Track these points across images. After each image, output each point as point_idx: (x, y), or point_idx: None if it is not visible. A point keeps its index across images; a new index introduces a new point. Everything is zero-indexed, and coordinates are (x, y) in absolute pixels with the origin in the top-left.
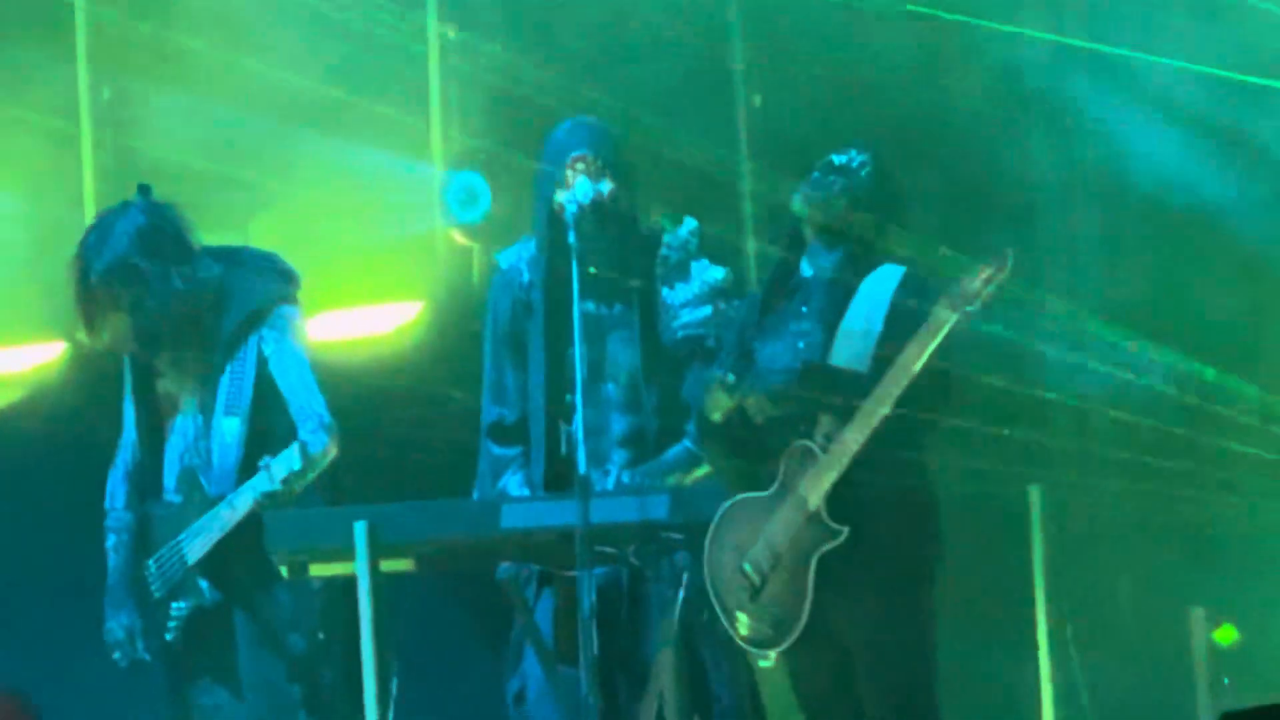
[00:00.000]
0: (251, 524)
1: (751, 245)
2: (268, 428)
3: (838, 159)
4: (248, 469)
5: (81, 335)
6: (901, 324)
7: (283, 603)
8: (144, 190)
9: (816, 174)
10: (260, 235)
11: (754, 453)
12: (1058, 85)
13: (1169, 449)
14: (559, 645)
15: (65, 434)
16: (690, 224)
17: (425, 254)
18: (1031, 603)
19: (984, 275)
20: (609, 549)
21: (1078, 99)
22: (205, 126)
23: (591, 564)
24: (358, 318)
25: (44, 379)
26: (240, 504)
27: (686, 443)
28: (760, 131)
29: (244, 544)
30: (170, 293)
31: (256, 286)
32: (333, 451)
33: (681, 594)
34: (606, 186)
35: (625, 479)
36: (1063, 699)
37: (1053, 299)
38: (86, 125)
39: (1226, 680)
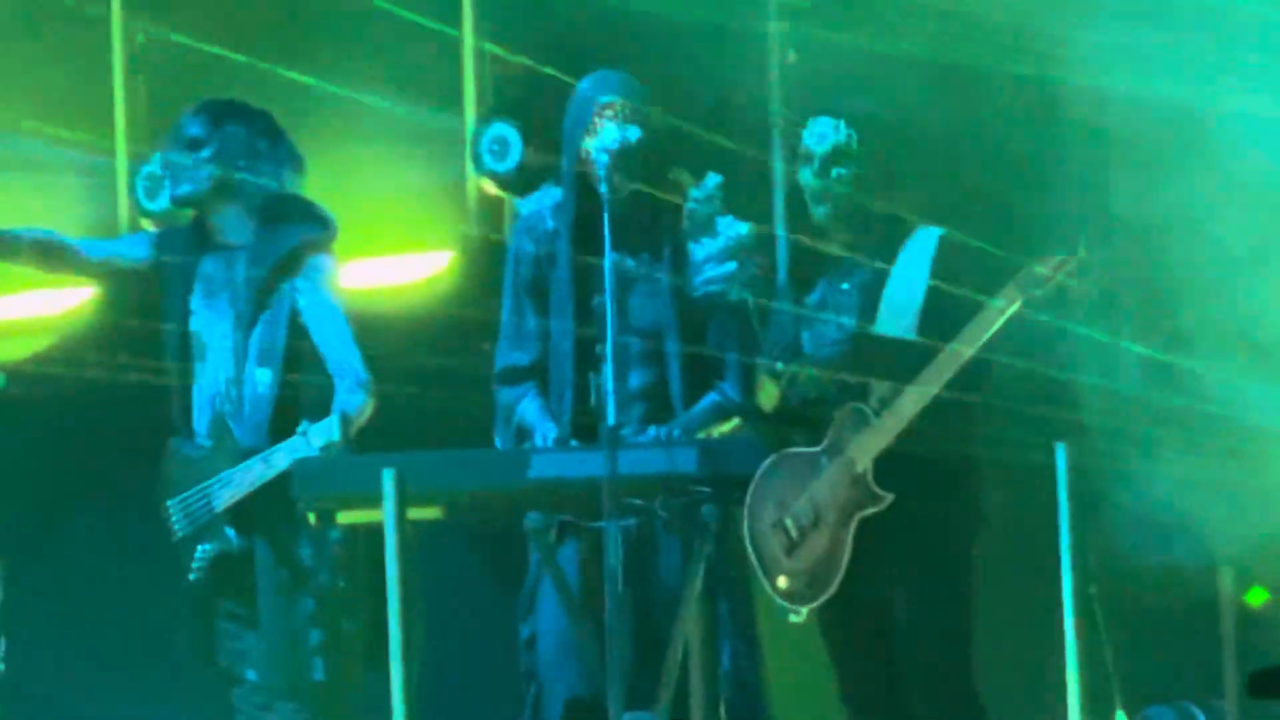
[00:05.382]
0: (280, 476)
1: (782, 204)
2: (302, 380)
3: (818, 147)
4: (280, 420)
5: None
6: (943, 290)
7: (305, 552)
8: None
9: (806, 170)
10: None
11: (809, 423)
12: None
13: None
14: (583, 595)
15: (93, 377)
16: (715, 179)
17: (456, 203)
18: (1055, 560)
19: (1052, 265)
20: (636, 500)
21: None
22: (237, 75)
23: (619, 515)
24: (388, 266)
25: (73, 323)
26: (275, 463)
27: (714, 395)
28: (795, 88)
29: (272, 495)
30: (239, 165)
31: (290, 233)
32: (370, 409)
33: (709, 547)
34: (635, 133)
35: (660, 434)
36: (1088, 658)
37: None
38: (119, 71)
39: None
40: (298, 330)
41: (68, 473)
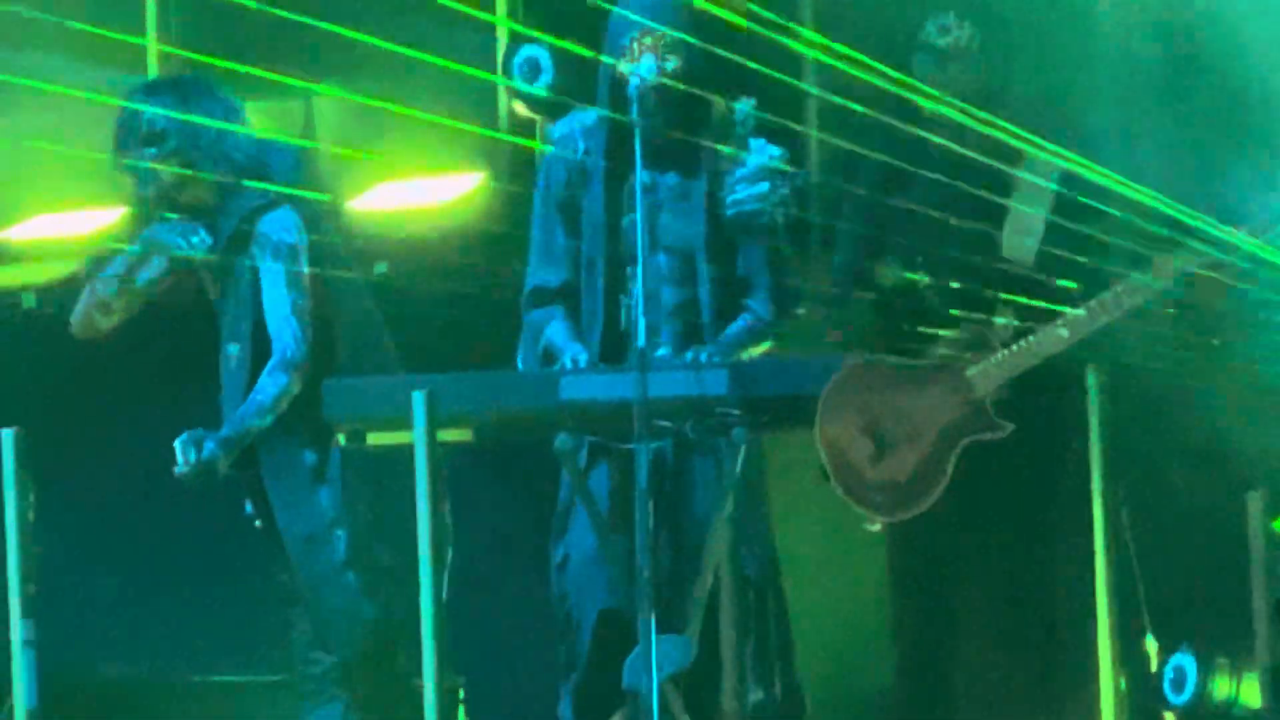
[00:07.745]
0: (275, 445)
1: (815, 123)
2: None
3: (939, 39)
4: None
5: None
6: (1062, 227)
7: (324, 507)
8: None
9: (924, 60)
10: (324, 104)
11: (908, 327)
12: None
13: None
14: (613, 517)
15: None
16: (748, 102)
17: (488, 125)
18: (1086, 488)
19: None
20: (666, 422)
21: None
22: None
23: (649, 437)
24: (420, 187)
25: (104, 243)
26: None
27: (748, 316)
28: (827, 11)
29: (271, 467)
30: (200, 155)
31: (234, 207)
32: (294, 389)
33: (739, 469)
34: (672, 64)
35: (701, 357)
36: (1117, 584)
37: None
38: (151, 5)
39: None
40: (260, 301)
41: (104, 391)
